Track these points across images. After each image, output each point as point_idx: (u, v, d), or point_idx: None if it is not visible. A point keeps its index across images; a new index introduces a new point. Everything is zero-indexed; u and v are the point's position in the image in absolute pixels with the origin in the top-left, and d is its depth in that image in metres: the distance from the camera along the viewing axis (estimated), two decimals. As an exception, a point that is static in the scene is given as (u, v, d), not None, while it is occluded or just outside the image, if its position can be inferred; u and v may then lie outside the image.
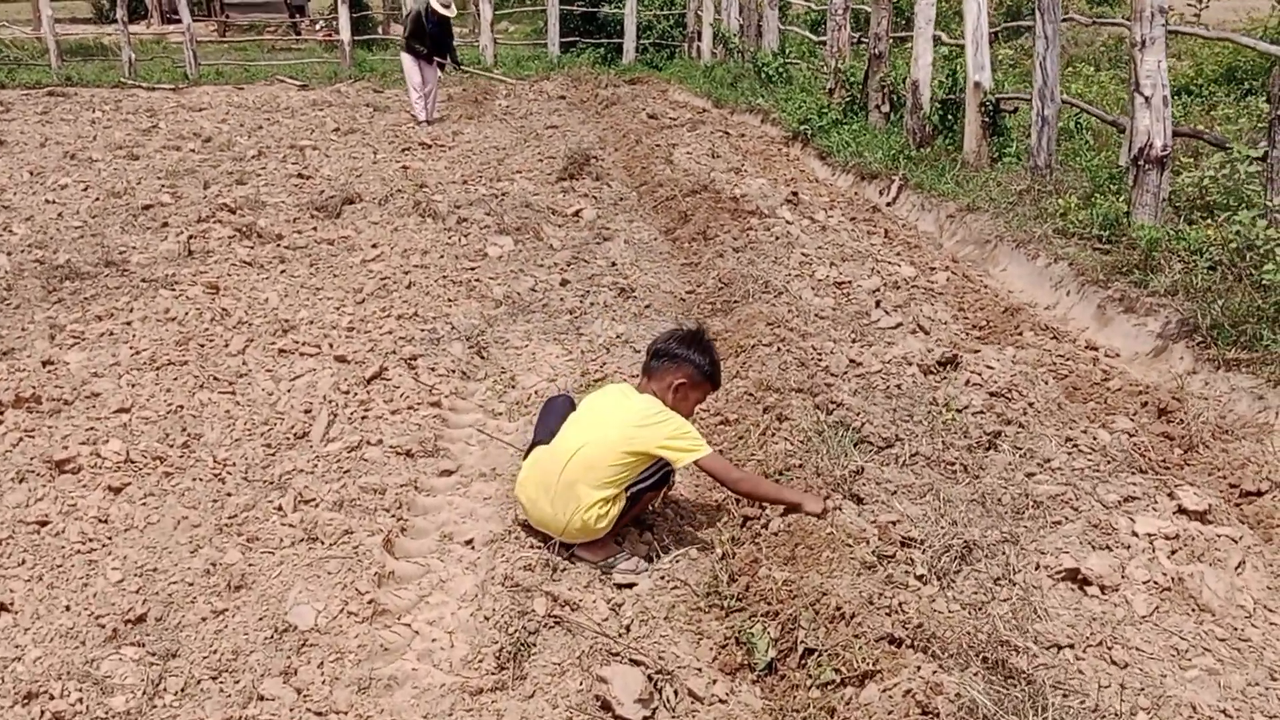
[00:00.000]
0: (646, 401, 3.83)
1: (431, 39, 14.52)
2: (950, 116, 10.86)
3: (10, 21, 29.55)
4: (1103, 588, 3.40)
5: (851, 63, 13.59)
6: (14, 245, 8.10)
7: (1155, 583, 3.42)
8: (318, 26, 37.82)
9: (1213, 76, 13.18)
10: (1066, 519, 3.90)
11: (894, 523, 3.74)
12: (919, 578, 3.38)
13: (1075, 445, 4.48)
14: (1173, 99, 7.14)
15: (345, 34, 22.55)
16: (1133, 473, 4.25)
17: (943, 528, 3.72)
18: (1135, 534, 3.70)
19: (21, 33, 26.35)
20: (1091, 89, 13.04)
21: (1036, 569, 3.53)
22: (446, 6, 14.43)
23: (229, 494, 4.21)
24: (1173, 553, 3.61)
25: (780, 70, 16.73)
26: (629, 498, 3.72)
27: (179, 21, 23.48)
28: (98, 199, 9.89)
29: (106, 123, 15.29)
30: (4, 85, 19.48)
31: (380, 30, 32.91)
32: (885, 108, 12.23)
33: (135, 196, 9.95)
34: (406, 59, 14.64)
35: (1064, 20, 9.23)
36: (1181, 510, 3.86)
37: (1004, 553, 3.60)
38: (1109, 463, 4.33)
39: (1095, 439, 4.56)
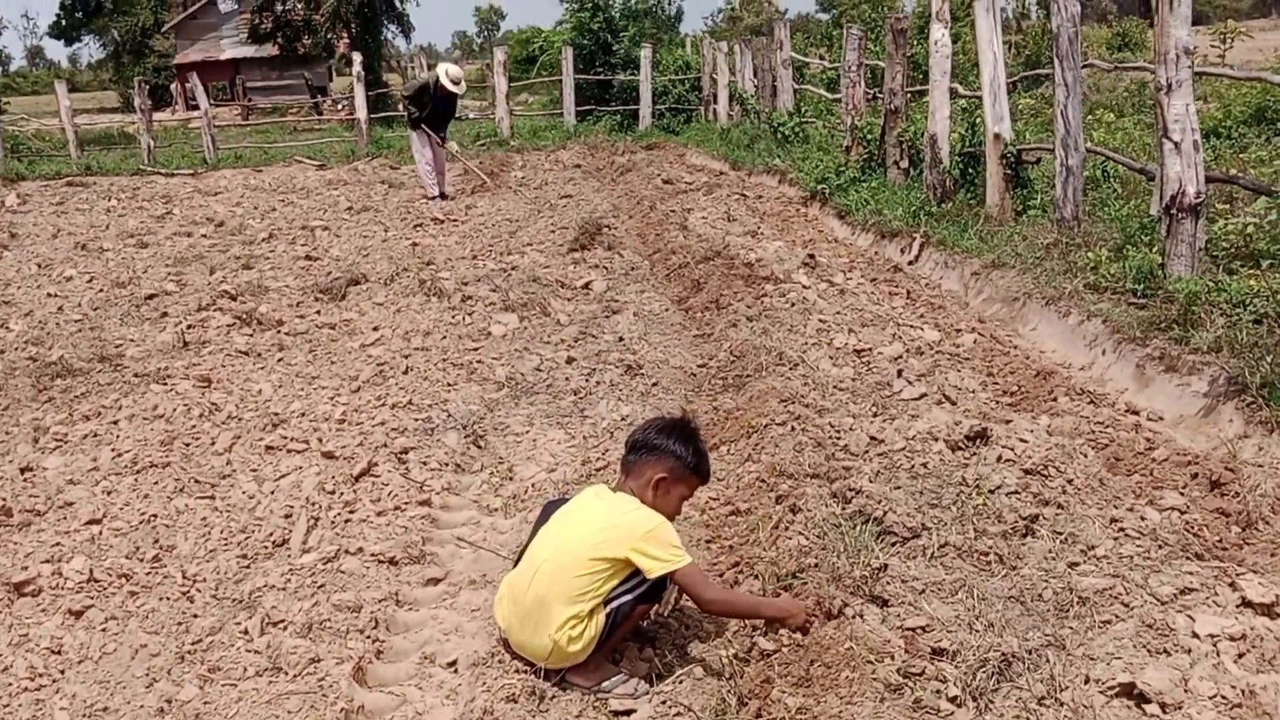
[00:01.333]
0: (618, 501, 3.43)
1: (433, 112, 14.38)
2: (971, 170, 10.52)
3: (33, 115, 29.92)
4: (1163, 705, 2.98)
5: (868, 119, 13.32)
6: (9, 343, 7.89)
7: (1223, 697, 2.99)
8: (339, 106, 38.22)
9: (1242, 118, 12.78)
10: (1117, 617, 3.47)
11: (923, 629, 3.34)
12: (952, 699, 2.97)
13: (1121, 528, 4.06)
14: (1202, 143, 6.77)
15: (362, 113, 22.61)
16: (1187, 558, 3.83)
17: (978, 633, 3.32)
18: (1196, 635, 3.28)
19: (45, 125, 26.63)
20: (1115, 136, 12.69)
21: (1086, 683, 3.11)
22: (456, 84, 14.32)
23: (195, 615, 3.86)
24: (1240, 656, 3.18)
25: (796, 130, 16.51)
26: (610, 614, 3.30)
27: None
28: (101, 290, 9.71)
29: (121, 211, 15.25)
30: (24, 177, 19.57)
31: (400, 108, 33.10)
32: (904, 163, 11.93)
33: (140, 286, 9.77)
34: (414, 136, 14.52)
35: (1084, 67, 8.90)
36: (1246, 603, 3.43)
37: (1048, 661, 3.19)
38: (1160, 548, 3.90)
39: (1143, 519, 4.14)
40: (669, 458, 3.46)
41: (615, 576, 3.29)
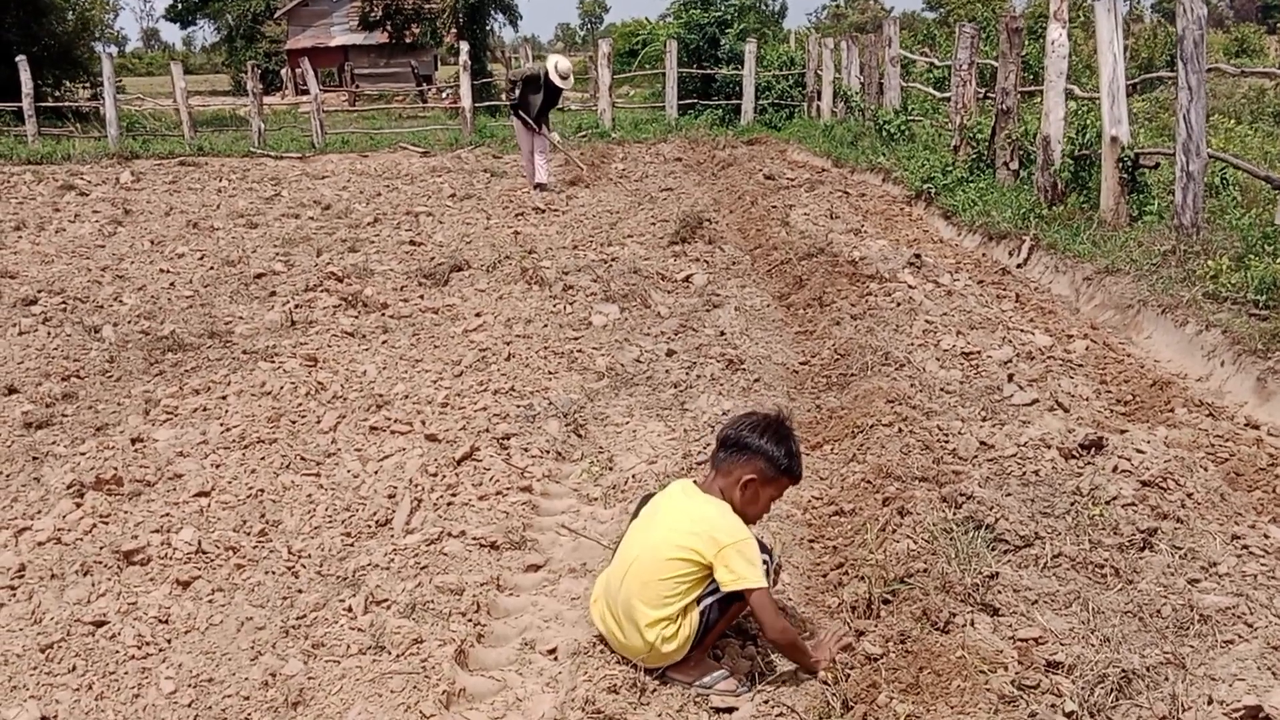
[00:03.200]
0: (703, 503, 3.33)
1: (536, 103, 14.41)
2: (1084, 173, 10.26)
3: (148, 95, 30.74)
4: (1292, 731, 2.86)
5: (978, 119, 13.07)
6: (122, 316, 8.09)
7: (1356, 725, 2.85)
8: (444, 95, 38.63)
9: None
10: (1240, 637, 3.34)
11: (1036, 640, 3.25)
12: (1068, 715, 2.87)
13: (1244, 545, 3.91)
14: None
15: (466, 101, 22.84)
16: (1315, 580, 3.67)
17: (1094, 648, 3.21)
18: (1326, 659, 3.14)
19: (159, 105, 27.34)
20: (1234, 143, 12.29)
21: (1209, 704, 2.99)
22: (565, 78, 14.35)
23: (300, 590, 3.91)
24: (1373, 684, 3.03)
25: (902, 128, 16.27)
26: (704, 612, 3.24)
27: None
28: (212, 268, 9.93)
29: (231, 191, 15.59)
30: (139, 155, 20.12)
31: (504, 97, 33.34)
32: (1014, 164, 11.68)
33: (249, 265, 9.97)
34: (519, 124, 14.60)
35: (1208, 70, 8.61)
36: (1379, 629, 3.28)
37: (1168, 680, 3.07)
38: (1286, 567, 3.75)
39: (1267, 537, 3.98)
40: (760, 458, 3.33)
41: (700, 580, 3.24)
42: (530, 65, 15.36)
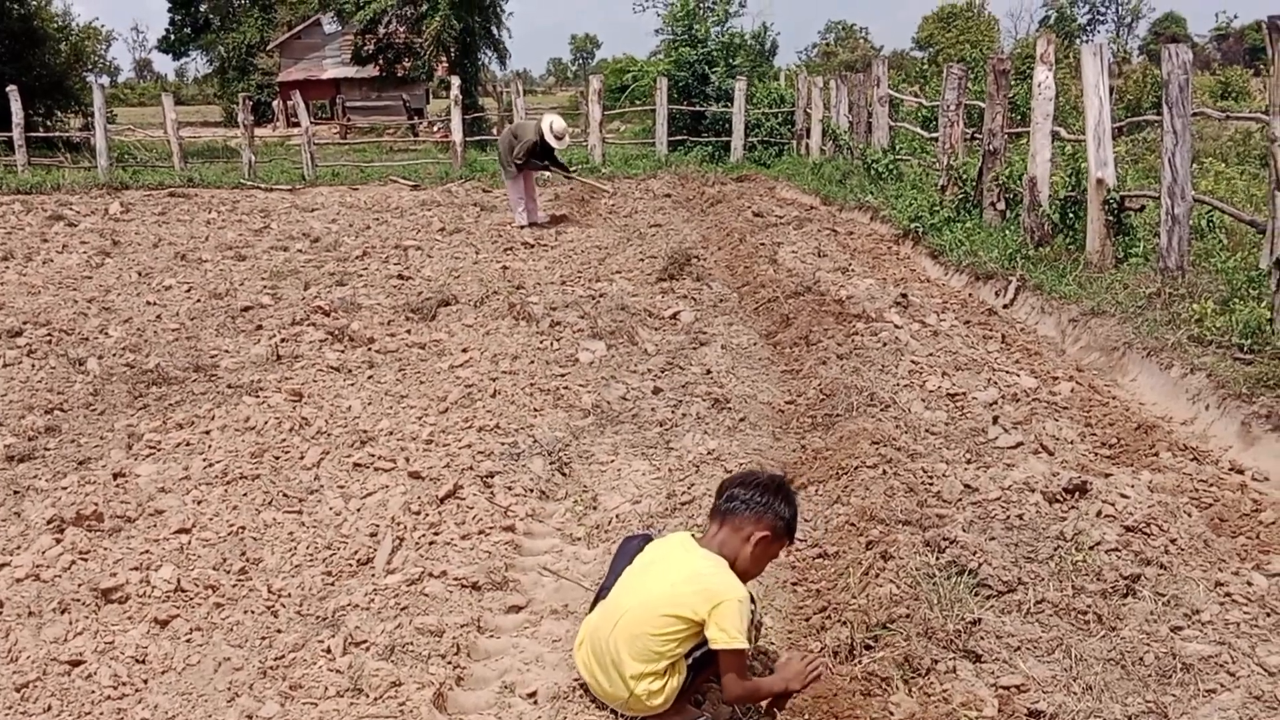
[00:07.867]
0: (701, 559, 3.31)
1: (544, 157, 14.52)
2: (1070, 214, 10.31)
3: (139, 125, 30.77)
4: (1274, 783, 2.84)
5: (965, 159, 13.15)
6: (107, 348, 8.06)
7: (1338, 778, 2.85)
8: (435, 128, 38.76)
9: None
10: (1222, 686, 3.33)
11: (1018, 688, 3.23)
12: (1049, 764, 2.86)
13: (1227, 593, 3.90)
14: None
15: (457, 135, 22.92)
16: (1298, 628, 3.66)
17: (1076, 696, 3.20)
18: (1308, 710, 3.13)
19: (150, 136, 27.36)
20: (1221, 186, 12.38)
21: (1191, 756, 2.99)
22: (560, 139, 14.40)
23: (279, 630, 3.87)
24: (1355, 735, 3.03)
25: (890, 167, 16.36)
26: (693, 665, 3.23)
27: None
28: (199, 300, 9.91)
29: (221, 223, 15.58)
30: (128, 186, 20.11)
31: (494, 131, 33.40)
32: (1001, 205, 11.74)
33: (236, 298, 9.94)
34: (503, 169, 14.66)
35: (1193, 114, 8.68)
36: (1361, 679, 3.27)
37: (1150, 730, 3.06)
38: (1268, 615, 3.74)
39: (1250, 584, 3.98)
40: (773, 518, 3.34)
41: (690, 636, 3.21)
42: (525, 125, 15.30)
